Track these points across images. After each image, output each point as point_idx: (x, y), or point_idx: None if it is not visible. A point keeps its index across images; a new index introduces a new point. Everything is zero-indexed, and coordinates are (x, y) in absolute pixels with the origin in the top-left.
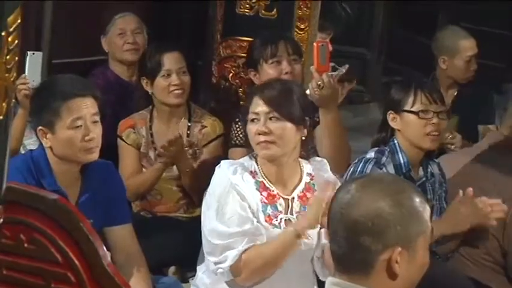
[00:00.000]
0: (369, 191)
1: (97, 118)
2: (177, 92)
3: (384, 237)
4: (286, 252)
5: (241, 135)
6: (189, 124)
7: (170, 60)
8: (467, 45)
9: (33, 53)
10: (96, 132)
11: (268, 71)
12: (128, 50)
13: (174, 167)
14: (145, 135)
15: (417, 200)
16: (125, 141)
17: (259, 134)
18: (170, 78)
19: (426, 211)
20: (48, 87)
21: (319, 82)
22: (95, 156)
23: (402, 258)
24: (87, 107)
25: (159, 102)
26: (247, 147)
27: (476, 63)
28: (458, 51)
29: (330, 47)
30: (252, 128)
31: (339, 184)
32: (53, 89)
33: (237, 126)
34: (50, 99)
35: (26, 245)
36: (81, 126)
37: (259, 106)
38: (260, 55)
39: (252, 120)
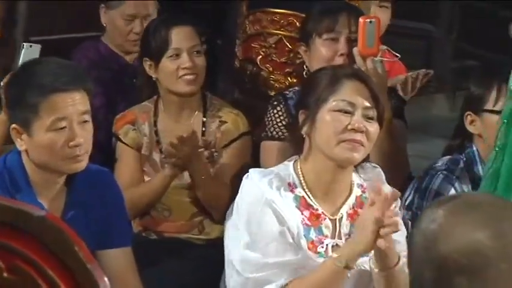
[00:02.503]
0: (461, 220)
1: (87, 117)
2: (188, 77)
3: (482, 277)
4: (334, 285)
5: (280, 125)
6: (205, 119)
7: (180, 37)
8: None
9: (30, 45)
10: (85, 135)
11: (321, 48)
12: (134, 41)
13: (186, 173)
14: (149, 133)
15: None
16: (122, 141)
17: (353, 130)
18: (179, 60)
19: None
20: (24, 76)
21: (363, 69)
22: (82, 165)
23: None
24: (73, 104)
25: (165, 90)
26: (286, 141)
27: None
28: None
29: (385, 23)
30: (343, 120)
31: (398, 195)
32: (30, 79)
33: (275, 111)
34: (26, 93)
35: (5, 274)
36: (65, 128)
37: (357, 96)
38: (314, 27)
39: (345, 111)
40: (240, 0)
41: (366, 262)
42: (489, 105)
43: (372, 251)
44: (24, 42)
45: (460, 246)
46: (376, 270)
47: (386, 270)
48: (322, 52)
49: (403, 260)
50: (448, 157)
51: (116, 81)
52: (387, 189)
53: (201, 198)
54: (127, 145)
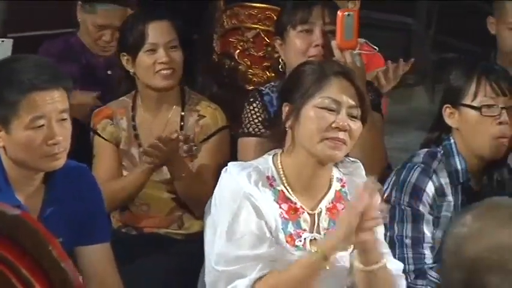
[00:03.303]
0: (487, 222)
1: (65, 116)
2: (164, 72)
3: None
4: (309, 281)
5: (256, 121)
6: (183, 113)
7: (156, 32)
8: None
9: (2, 41)
10: (64, 133)
11: (295, 40)
12: (103, 47)
13: (165, 168)
14: (127, 128)
15: None
16: (100, 135)
17: (337, 128)
18: (156, 55)
19: None
20: (3, 74)
21: (341, 62)
22: (60, 162)
23: None
24: (52, 103)
25: (143, 85)
26: (263, 137)
27: None
28: (502, 13)
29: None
30: (327, 118)
31: (379, 188)
32: (8, 77)
33: (251, 108)
34: (5, 91)
35: None
36: (44, 126)
37: (343, 94)
38: (288, 19)
39: (330, 107)
40: None
41: (345, 258)
42: (468, 98)
43: (352, 247)
44: None
45: (488, 245)
46: (359, 267)
47: (370, 266)
48: (297, 44)
49: (386, 259)
50: (425, 150)
51: (84, 75)
52: (367, 183)
53: (181, 194)
54: (105, 140)
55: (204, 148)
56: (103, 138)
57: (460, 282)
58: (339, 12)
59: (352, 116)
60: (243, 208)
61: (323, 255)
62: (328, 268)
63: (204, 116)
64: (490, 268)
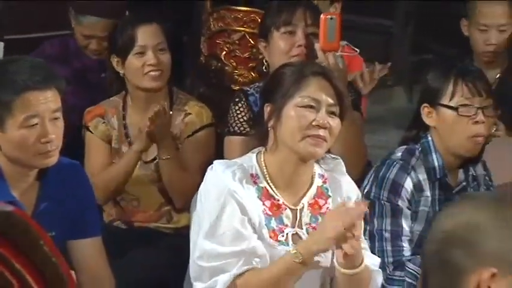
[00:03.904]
0: (469, 202)
1: (58, 115)
2: (153, 73)
3: (477, 252)
4: (288, 280)
5: (242, 121)
6: (171, 113)
7: (145, 35)
8: (484, 11)
9: None
10: (56, 132)
11: (279, 41)
12: (92, 52)
13: (153, 164)
14: (117, 127)
15: None
16: (92, 133)
17: (318, 126)
18: (145, 57)
19: None
20: None
21: (324, 63)
22: (53, 160)
23: (498, 287)
24: (45, 102)
25: (132, 86)
26: (249, 135)
27: (501, 38)
28: (473, 15)
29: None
30: (308, 116)
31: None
32: (3, 77)
33: (236, 108)
34: (0, 91)
35: None
36: (37, 125)
37: (322, 93)
38: (272, 22)
39: (310, 106)
40: None
41: (324, 257)
42: (446, 99)
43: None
44: None
45: (462, 222)
46: (341, 270)
47: (352, 270)
48: (280, 45)
49: (366, 260)
50: (404, 147)
51: (78, 77)
52: (347, 181)
53: (166, 184)
54: (97, 137)
55: (189, 143)
56: (95, 135)
57: (433, 253)
58: (322, 15)
59: (331, 113)
60: (228, 205)
61: (301, 260)
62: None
63: (190, 114)
64: (457, 243)
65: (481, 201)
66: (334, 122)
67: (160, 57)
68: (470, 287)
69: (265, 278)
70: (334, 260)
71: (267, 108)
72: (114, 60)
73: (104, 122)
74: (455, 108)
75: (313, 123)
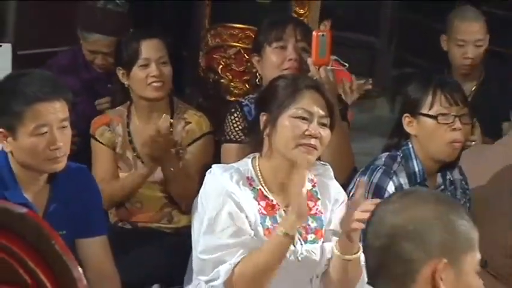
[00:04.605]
0: (414, 198)
1: (66, 124)
2: (155, 84)
3: (427, 244)
4: (278, 257)
5: (237, 129)
6: (172, 121)
7: (149, 49)
8: (462, 28)
9: (1, 45)
10: (64, 139)
11: (271, 56)
12: (98, 67)
13: (157, 171)
14: (122, 134)
15: (466, 217)
16: (98, 141)
17: (310, 136)
18: (148, 69)
19: (475, 230)
20: (10, 86)
21: (316, 77)
22: (61, 165)
23: (448, 275)
24: (54, 112)
25: (136, 96)
26: (244, 143)
27: (477, 53)
28: (452, 31)
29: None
30: (301, 126)
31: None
32: (15, 89)
33: (232, 117)
34: (12, 102)
35: None
36: (47, 133)
37: (314, 105)
38: (264, 38)
39: (303, 118)
40: (203, 16)
41: (315, 249)
42: (425, 108)
43: (322, 240)
44: None
45: (410, 216)
46: (339, 255)
47: (350, 255)
48: (272, 59)
49: (361, 253)
50: (386, 154)
51: (86, 88)
52: (334, 185)
53: (171, 191)
54: (103, 144)
55: (190, 150)
56: (101, 143)
57: (379, 249)
58: (314, 32)
59: (322, 125)
60: (226, 204)
61: (285, 232)
62: (299, 260)
63: (190, 122)
64: (406, 236)
65: (420, 197)
66: (325, 132)
67: (163, 69)
68: (424, 278)
69: (257, 259)
70: (334, 247)
71: (263, 117)
72: (120, 72)
73: (109, 130)
74: (434, 117)
75: (306, 133)
